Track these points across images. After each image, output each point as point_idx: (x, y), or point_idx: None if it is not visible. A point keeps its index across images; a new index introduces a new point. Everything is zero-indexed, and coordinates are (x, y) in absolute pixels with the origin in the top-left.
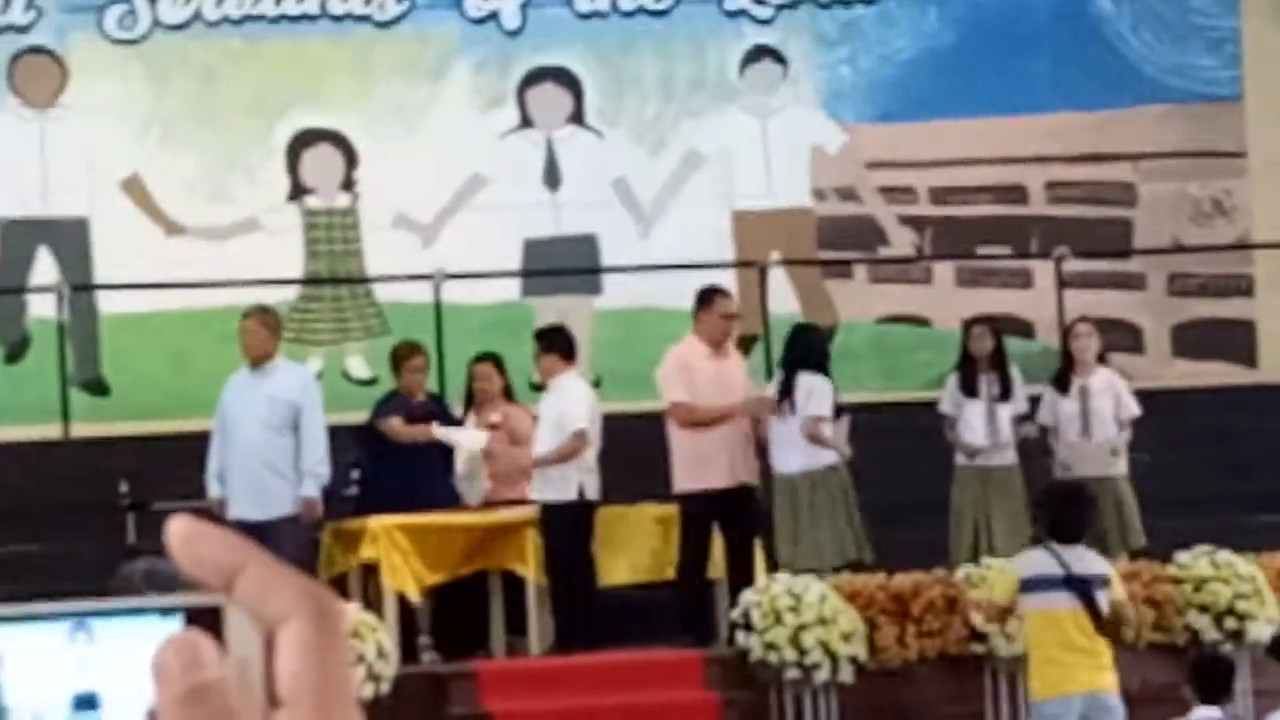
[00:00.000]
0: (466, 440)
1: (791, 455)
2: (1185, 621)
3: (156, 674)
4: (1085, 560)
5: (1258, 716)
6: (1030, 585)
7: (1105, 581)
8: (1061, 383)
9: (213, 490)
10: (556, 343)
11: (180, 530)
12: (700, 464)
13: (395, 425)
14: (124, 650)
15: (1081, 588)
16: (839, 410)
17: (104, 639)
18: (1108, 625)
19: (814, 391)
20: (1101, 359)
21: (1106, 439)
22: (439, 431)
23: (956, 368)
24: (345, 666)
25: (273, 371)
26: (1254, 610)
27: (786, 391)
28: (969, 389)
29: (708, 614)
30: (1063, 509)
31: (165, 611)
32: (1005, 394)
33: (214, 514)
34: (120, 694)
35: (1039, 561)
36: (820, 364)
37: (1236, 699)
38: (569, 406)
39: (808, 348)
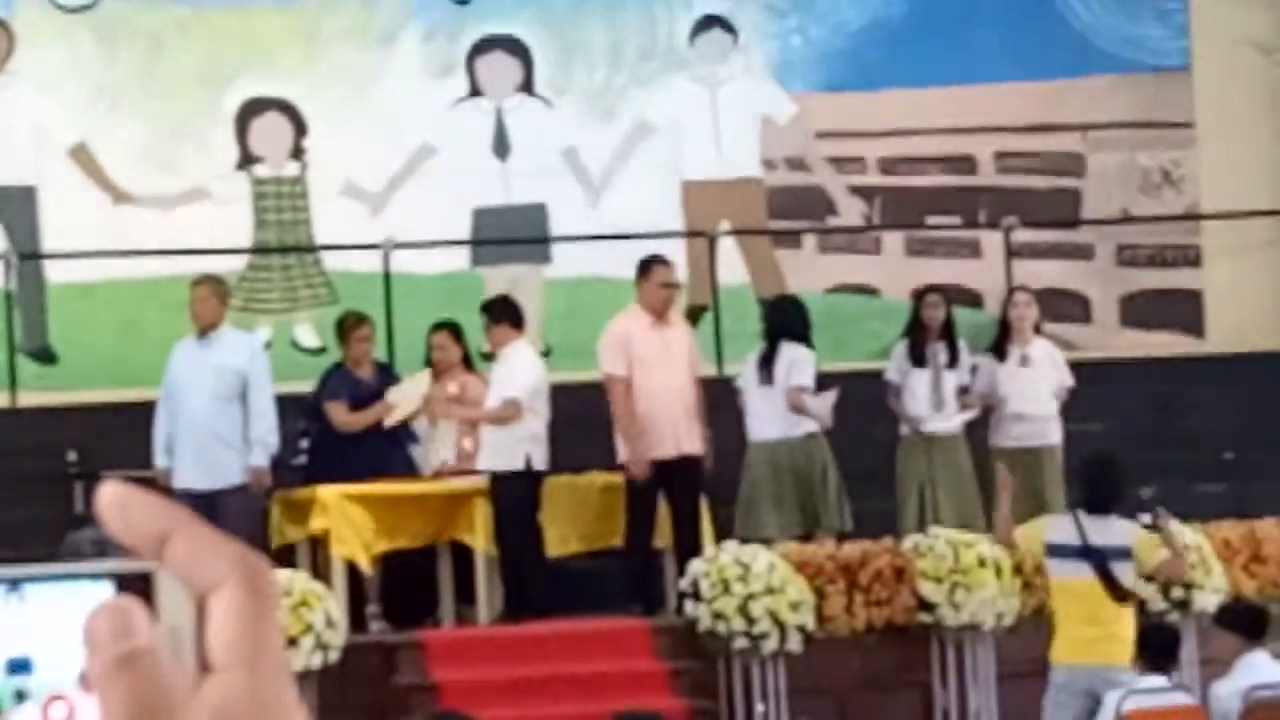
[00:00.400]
0: (408, 396)
1: (771, 423)
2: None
3: (88, 640)
4: (1108, 531)
5: (1204, 685)
6: (1052, 550)
7: (1126, 553)
8: (999, 351)
9: (160, 460)
10: (504, 312)
11: (111, 496)
12: (641, 434)
13: (340, 417)
14: (56, 615)
15: (1096, 559)
16: (824, 381)
17: (35, 603)
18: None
19: (796, 361)
20: (1037, 329)
21: (1043, 407)
22: (390, 418)
23: (905, 335)
24: (277, 633)
25: (219, 340)
26: (1200, 580)
27: (768, 361)
28: (917, 358)
29: (656, 583)
30: (1091, 478)
31: (95, 576)
32: (952, 363)
33: (158, 483)
34: (53, 658)
35: (1062, 528)
36: (803, 334)
37: (1183, 668)
38: (510, 375)
39: (790, 318)
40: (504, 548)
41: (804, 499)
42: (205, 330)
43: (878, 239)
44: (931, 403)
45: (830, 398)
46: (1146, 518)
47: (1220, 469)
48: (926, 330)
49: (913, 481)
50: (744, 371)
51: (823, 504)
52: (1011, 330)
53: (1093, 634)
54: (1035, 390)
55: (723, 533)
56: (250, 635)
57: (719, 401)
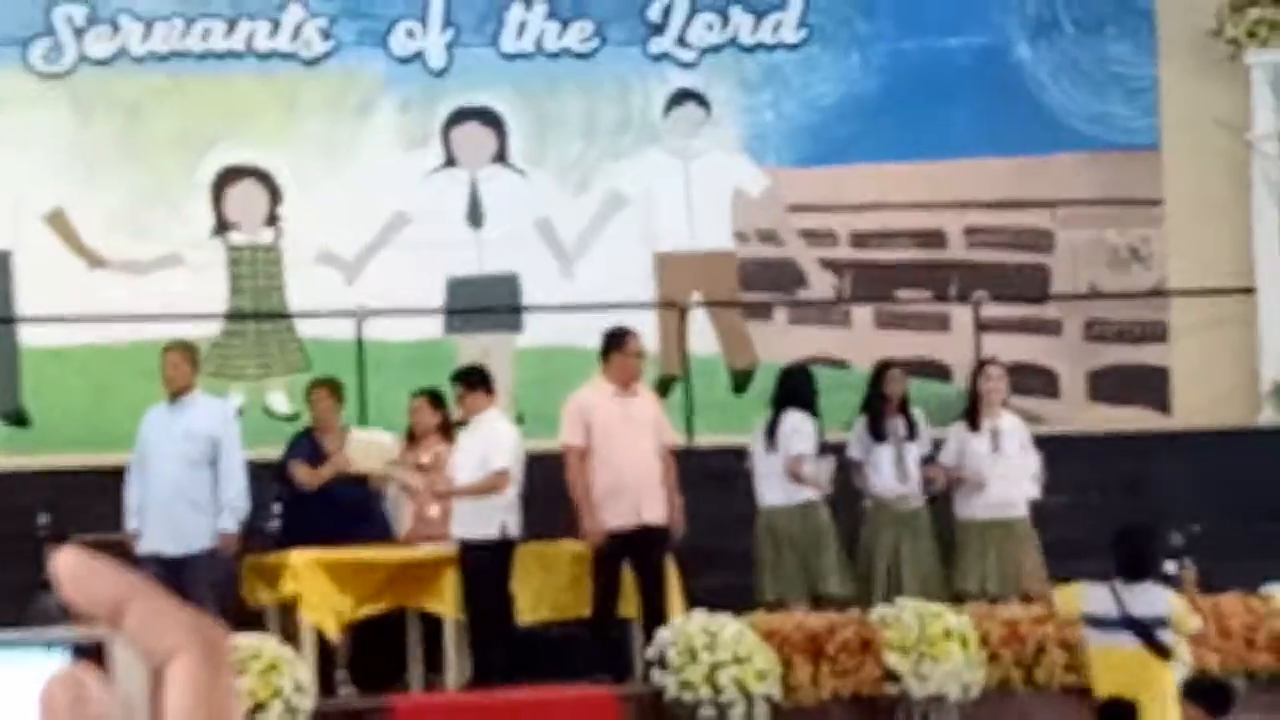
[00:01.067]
0: (365, 452)
1: (773, 489)
2: None
3: (43, 708)
4: (1147, 600)
5: None
6: (1091, 621)
7: (1164, 622)
8: (972, 422)
9: (131, 524)
10: (478, 380)
11: (67, 563)
12: (602, 503)
13: (302, 475)
14: (10, 682)
15: (1140, 629)
16: (824, 449)
17: None
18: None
19: (796, 430)
20: (1004, 403)
21: (1014, 481)
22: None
23: (863, 410)
24: (232, 703)
25: (191, 405)
26: None
27: (773, 429)
28: (878, 432)
29: (625, 652)
30: (1129, 547)
31: (51, 644)
32: (911, 435)
33: (125, 547)
34: None
35: (1100, 598)
36: (808, 403)
37: None
38: (493, 444)
39: (795, 387)
40: (474, 615)
41: (803, 564)
42: (176, 395)
43: (848, 312)
44: (895, 476)
45: (828, 465)
46: (1173, 566)
47: (1186, 544)
48: (887, 404)
49: (880, 553)
50: (753, 438)
51: (819, 570)
52: (981, 403)
53: (1137, 699)
54: (1012, 471)
55: (696, 600)
56: (206, 705)
57: (688, 471)
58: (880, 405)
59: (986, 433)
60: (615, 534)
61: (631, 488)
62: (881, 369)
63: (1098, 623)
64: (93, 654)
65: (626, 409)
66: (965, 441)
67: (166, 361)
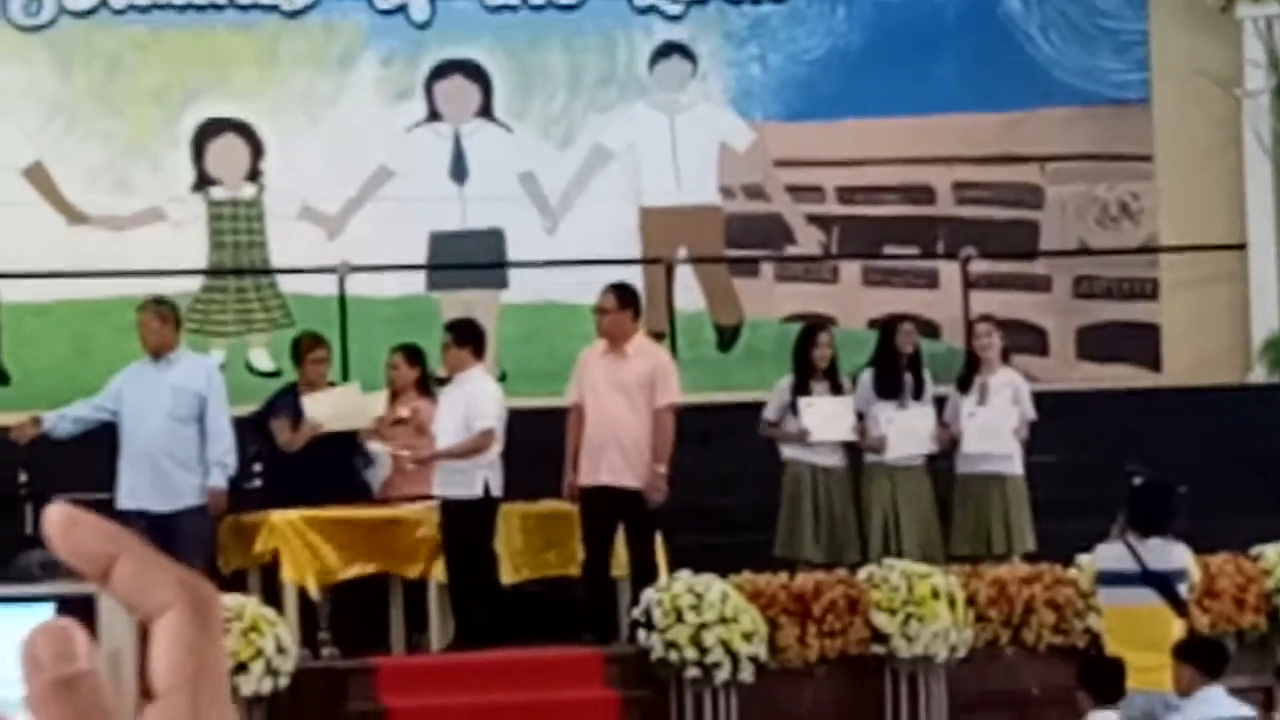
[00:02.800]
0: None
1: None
2: (1086, 624)
3: (26, 661)
4: (1164, 554)
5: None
6: (1107, 579)
7: (1183, 574)
8: (964, 383)
9: (47, 423)
10: (469, 337)
11: (57, 518)
12: (589, 460)
13: (284, 437)
14: None
15: (1160, 583)
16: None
17: None
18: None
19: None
20: (1005, 360)
21: (1001, 445)
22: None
23: (872, 364)
24: (221, 660)
25: (175, 362)
26: None
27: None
28: (889, 388)
29: (611, 611)
30: (1145, 501)
31: (37, 599)
32: (919, 394)
33: (106, 506)
34: None
35: (1117, 555)
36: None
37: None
38: (478, 403)
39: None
40: (456, 575)
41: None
42: (157, 353)
43: (835, 268)
44: (899, 433)
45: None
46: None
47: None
48: (899, 359)
49: (877, 510)
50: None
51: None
52: (978, 361)
53: (1153, 661)
54: (994, 429)
55: (680, 559)
56: (193, 661)
57: (676, 429)
58: (893, 362)
59: (974, 396)
60: (603, 489)
61: (597, 447)
62: (893, 323)
63: (1116, 579)
64: (80, 609)
65: (613, 369)
66: (958, 401)
67: (140, 321)
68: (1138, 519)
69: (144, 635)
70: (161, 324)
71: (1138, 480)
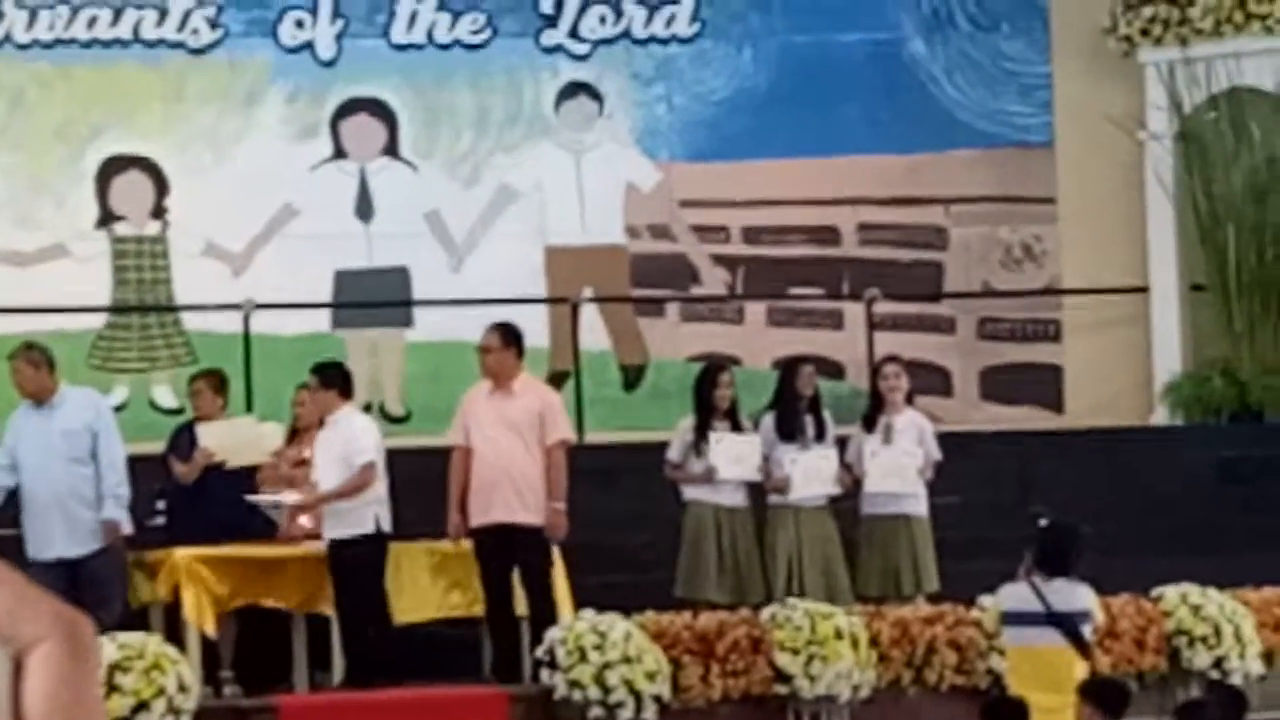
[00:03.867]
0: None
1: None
2: (988, 665)
3: None
4: (1068, 595)
5: None
6: (1011, 619)
7: (1088, 616)
8: (869, 422)
9: None
10: (334, 380)
11: None
12: (480, 499)
13: (178, 469)
14: None
15: (1064, 624)
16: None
17: None
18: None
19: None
20: (910, 401)
21: (906, 485)
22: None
23: (772, 407)
24: (96, 690)
25: (60, 404)
26: None
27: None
28: (789, 431)
29: (514, 650)
30: (1051, 542)
31: None
32: (820, 436)
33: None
34: None
35: (1021, 596)
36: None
37: None
38: (355, 439)
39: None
40: (347, 613)
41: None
42: (38, 399)
43: (740, 308)
44: (800, 475)
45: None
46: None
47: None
48: (799, 401)
49: (782, 552)
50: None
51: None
52: (883, 401)
53: (1055, 702)
54: (898, 468)
55: (583, 599)
56: (69, 692)
57: (579, 468)
58: (793, 404)
59: (879, 436)
60: (478, 531)
61: (488, 486)
62: (793, 365)
63: (1020, 619)
64: None
65: (500, 407)
66: (861, 441)
67: (15, 369)
68: (1043, 560)
69: (18, 667)
70: (35, 370)
71: (1043, 521)
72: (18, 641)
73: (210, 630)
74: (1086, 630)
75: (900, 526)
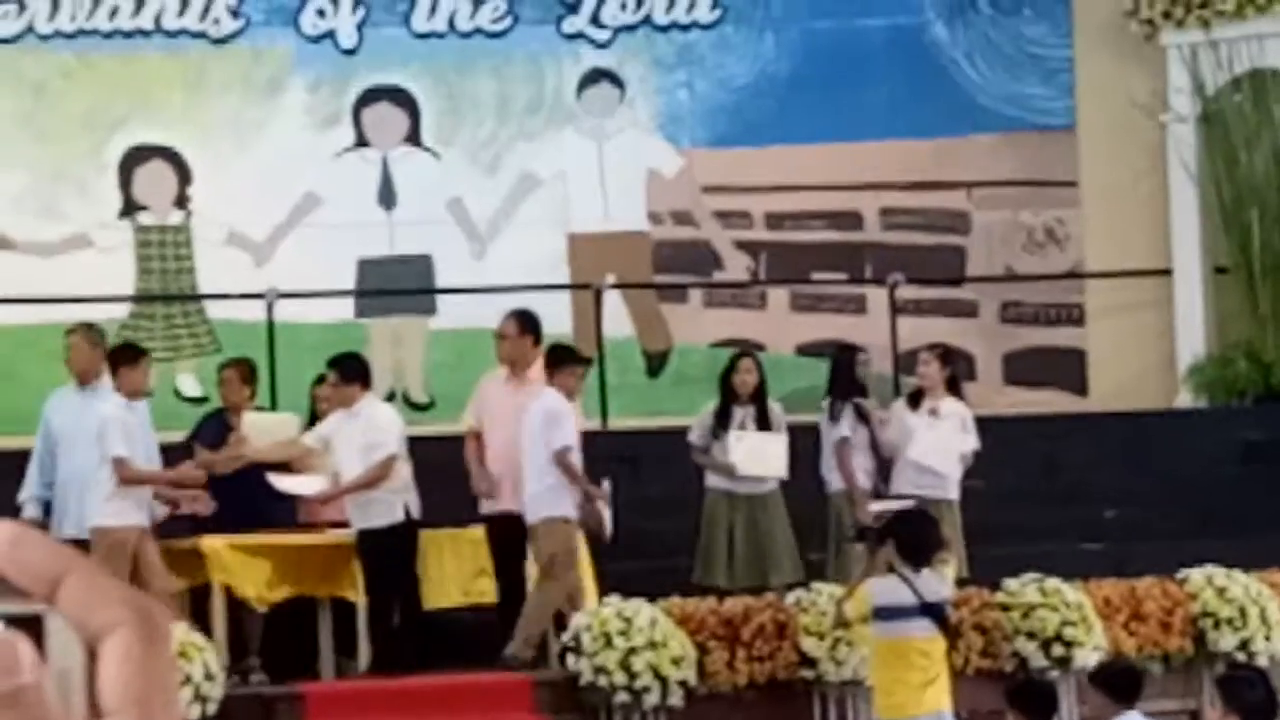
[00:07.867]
0: (297, 487)
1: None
2: (1013, 648)
3: None
4: (937, 584)
5: None
6: (885, 613)
7: (949, 603)
8: (914, 400)
9: (29, 512)
10: (354, 373)
11: (3, 536)
12: (485, 488)
13: (206, 459)
14: None
15: (937, 613)
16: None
17: None
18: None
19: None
20: (954, 390)
21: (948, 464)
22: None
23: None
24: (170, 678)
25: (103, 389)
26: (1081, 637)
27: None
28: (723, 423)
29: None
30: (914, 533)
31: None
32: (763, 426)
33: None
34: None
35: (892, 589)
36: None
37: None
38: (376, 431)
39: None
40: (377, 600)
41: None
42: (83, 379)
43: (763, 294)
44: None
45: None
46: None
47: (1100, 527)
48: (735, 397)
49: (721, 536)
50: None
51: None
52: (924, 390)
53: (932, 688)
54: (944, 445)
55: (610, 585)
56: (142, 681)
57: (603, 454)
58: (728, 397)
59: (924, 413)
60: (489, 519)
61: (497, 475)
62: (734, 359)
63: (894, 613)
64: (28, 629)
65: (514, 397)
66: (904, 418)
67: (70, 344)
68: (907, 551)
69: (93, 654)
70: (91, 348)
71: (899, 507)
72: (91, 629)
73: (262, 606)
74: (951, 615)
75: (942, 510)
